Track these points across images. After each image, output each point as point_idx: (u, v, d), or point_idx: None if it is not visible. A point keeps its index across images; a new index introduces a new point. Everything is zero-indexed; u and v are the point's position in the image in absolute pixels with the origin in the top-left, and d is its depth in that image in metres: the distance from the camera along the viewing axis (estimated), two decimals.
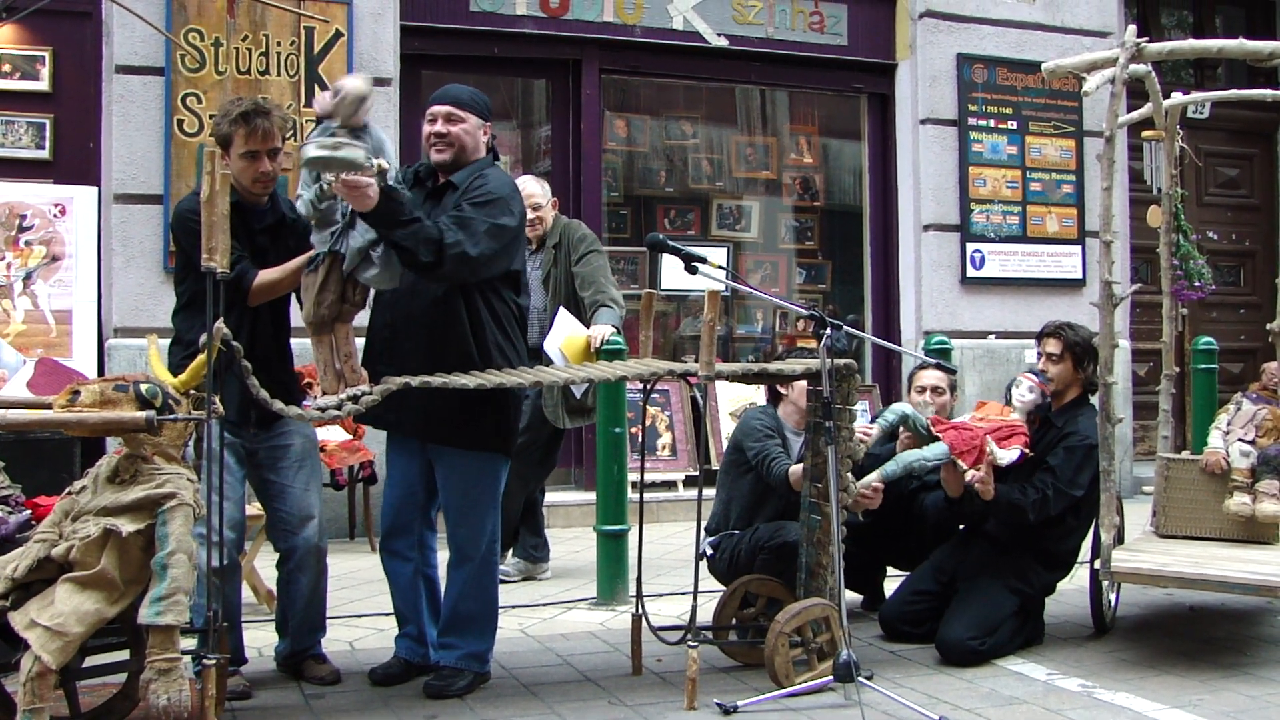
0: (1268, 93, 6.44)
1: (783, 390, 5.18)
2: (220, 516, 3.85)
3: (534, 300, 5.94)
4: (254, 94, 7.02)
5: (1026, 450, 4.89)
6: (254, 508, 4.83)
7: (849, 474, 4.55)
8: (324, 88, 7.16)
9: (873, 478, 4.75)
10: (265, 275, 4.23)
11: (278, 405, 3.81)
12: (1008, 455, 4.84)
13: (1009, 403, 5.10)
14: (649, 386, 4.93)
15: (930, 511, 5.27)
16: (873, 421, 5.10)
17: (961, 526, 5.25)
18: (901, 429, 5.02)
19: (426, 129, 4.35)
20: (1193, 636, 5.22)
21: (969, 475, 4.79)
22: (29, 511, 4.55)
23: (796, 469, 4.79)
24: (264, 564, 5.26)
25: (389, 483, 4.55)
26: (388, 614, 4.69)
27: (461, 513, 4.36)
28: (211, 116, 7.01)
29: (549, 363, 5.52)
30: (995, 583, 4.92)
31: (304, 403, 4.50)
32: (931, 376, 5.28)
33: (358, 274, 4.06)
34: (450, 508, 4.38)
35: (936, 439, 4.85)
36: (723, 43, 8.62)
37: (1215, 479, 5.40)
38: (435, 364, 4.15)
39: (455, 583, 4.42)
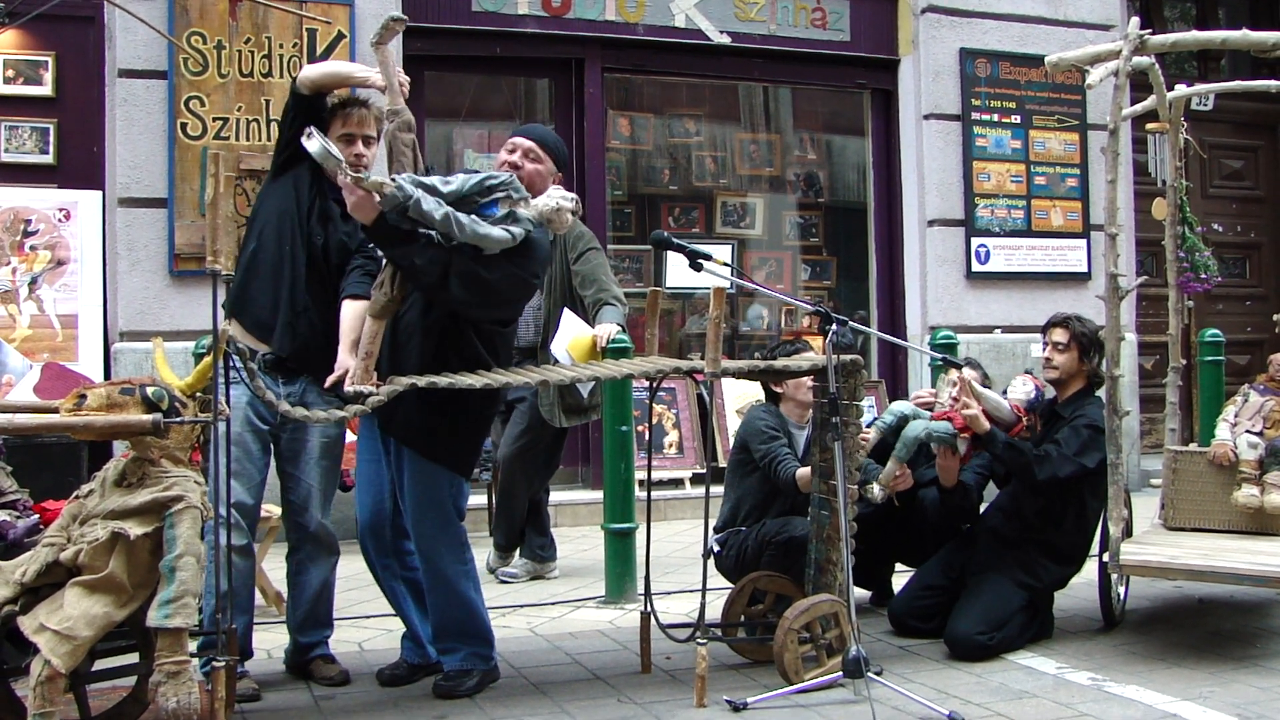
0: (1272, 84, 6.42)
1: (777, 388, 5.17)
2: (229, 517, 3.85)
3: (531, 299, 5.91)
4: (256, 96, 7.10)
5: (1021, 416, 5.00)
6: (263, 510, 4.82)
7: (873, 465, 4.58)
8: None
9: (890, 467, 4.86)
10: (347, 310, 4.25)
11: (283, 407, 3.84)
12: (1001, 401, 4.97)
13: (1005, 396, 5.13)
14: (655, 384, 4.92)
15: (930, 509, 5.27)
16: (871, 425, 5.09)
17: (967, 526, 5.25)
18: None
19: (503, 156, 4.33)
20: (1202, 629, 5.21)
21: (960, 408, 4.86)
22: (37, 516, 4.57)
23: (804, 471, 4.78)
24: (272, 566, 5.27)
25: (359, 490, 4.49)
26: (395, 614, 4.69)
27: (416, 515, 4.28)
28: (215, 120, 7.06)
29: (554, 364, 5.52)
30: (1003, 578, 4.91)
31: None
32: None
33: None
34: (407, 507, 4.31)
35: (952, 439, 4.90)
36: (725, 40, 8.62)
37: (1223, 471, 5.40)
38: (429, 365, 4.13)
39: (432, 592, 4.35)
